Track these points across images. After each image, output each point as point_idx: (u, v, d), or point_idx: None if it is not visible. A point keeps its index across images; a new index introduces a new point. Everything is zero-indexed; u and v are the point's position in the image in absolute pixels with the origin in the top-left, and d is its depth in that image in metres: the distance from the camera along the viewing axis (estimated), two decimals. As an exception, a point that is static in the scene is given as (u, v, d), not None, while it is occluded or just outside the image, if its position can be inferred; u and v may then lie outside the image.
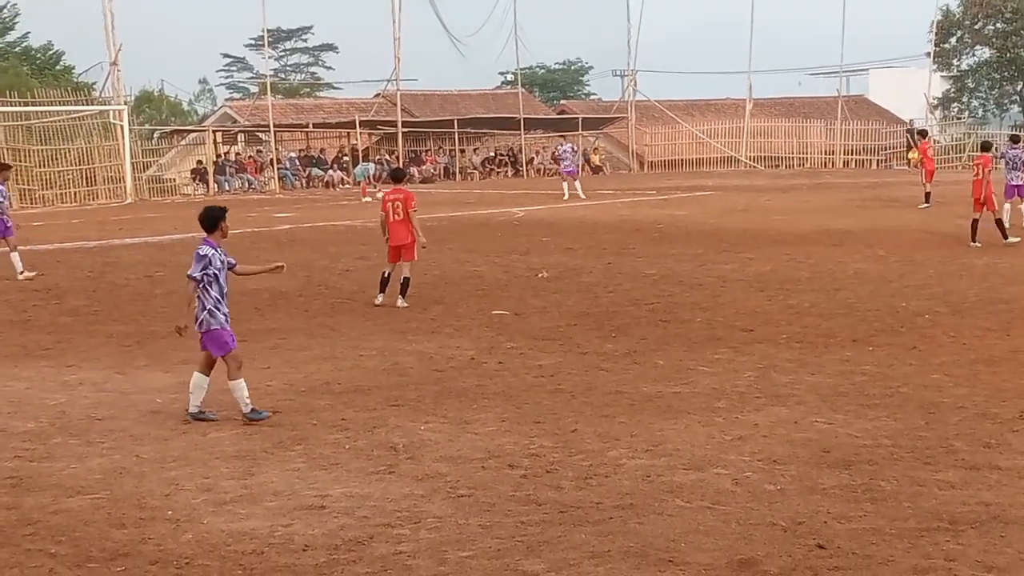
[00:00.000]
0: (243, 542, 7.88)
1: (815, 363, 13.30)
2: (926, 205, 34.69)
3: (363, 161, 54.43)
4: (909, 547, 7.55)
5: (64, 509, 8.66)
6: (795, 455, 9.63)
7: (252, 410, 11.12)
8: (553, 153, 53.39)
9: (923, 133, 41.67)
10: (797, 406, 11.30)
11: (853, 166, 65.97)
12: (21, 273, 21.72)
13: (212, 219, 11.51)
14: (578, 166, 49.48)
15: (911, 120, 67.78)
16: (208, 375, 11.36)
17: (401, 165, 57.75)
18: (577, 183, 43.13)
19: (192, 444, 10.39)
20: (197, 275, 11.31)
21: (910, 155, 63.28)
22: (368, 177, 51.00)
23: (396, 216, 18.06)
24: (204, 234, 11.58)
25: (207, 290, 11.32)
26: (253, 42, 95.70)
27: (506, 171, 64.02)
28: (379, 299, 18.12)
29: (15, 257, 21.97)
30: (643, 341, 14.86)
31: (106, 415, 11.51)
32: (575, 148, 51.94)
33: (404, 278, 18.04)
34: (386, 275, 18.25)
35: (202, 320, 11.32)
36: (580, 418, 10.99)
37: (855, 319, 16.09)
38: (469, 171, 62.91)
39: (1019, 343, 14.22)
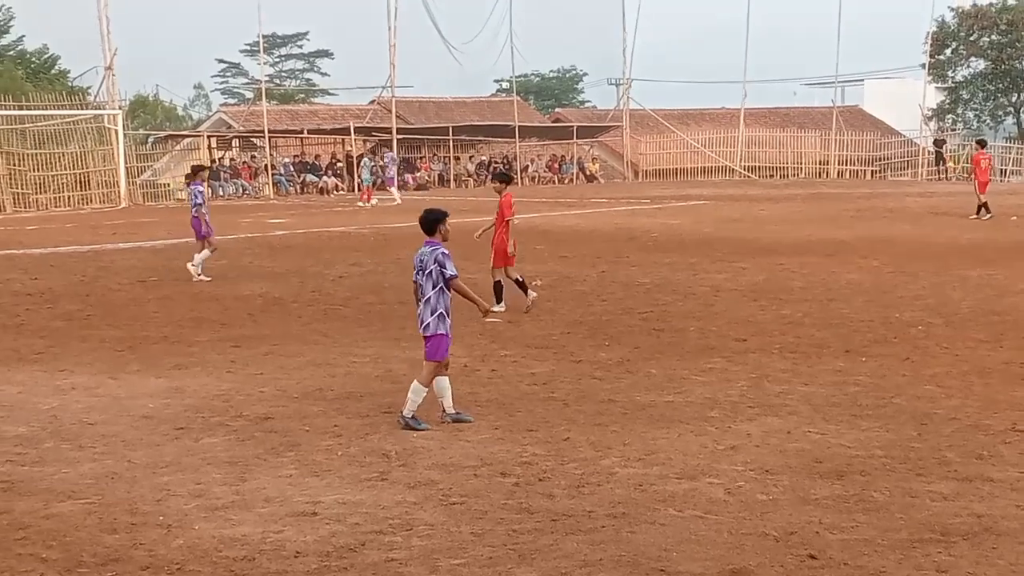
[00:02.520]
0: (234, 548, 7.87)
1: (808, 373, 13.29)
2: (976, 217, 34.07)
3: (365, 159, 53.40)
4: (901, 558, 7.55)
5: (55, 514, 8.64)
6: (787, 465, 9.63)
7: (413, 417, 10.95)
8: (380, 159, 53.94)
9: (982, 143, 39.47)
10: (790, 416, 11.30)
11: (848, 176, 66.08)
12: (199, 276, 21.89)
13: (432, 221, 11.32)
14: (395, 174, 51.95)
15: (937, 129, 67.87)
16: (446, 374, 11.16)
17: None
18: (393, 189, 47.32)
19: (184, 450, 10.37)
20: (456, 271, 11.12)
21: (941, 166, 63.34)
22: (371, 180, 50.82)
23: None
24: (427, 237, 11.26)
25: (442, 293, 11.11)
26: (248, 48, 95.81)
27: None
28: (531, 296, 18.15)
29: (200, 255, 22.14)
30: (636, 350, 14.85)
31: (98, 420, 11.49)
32: (395, 158, 53.49)
33: (498, 282, 18.10)
34: (518, 278, 18.20)
35: (428, 324, 11.04)
36: (573, 426, 10.98)
37: (848, 330, 16.09)
38: (464, 178, 62.96)
39: (1012, 355, 14.22)
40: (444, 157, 63.33)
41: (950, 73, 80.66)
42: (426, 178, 60.56)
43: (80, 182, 47.69)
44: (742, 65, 67.85)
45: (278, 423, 11.24)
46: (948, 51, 79.59)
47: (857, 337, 15.50)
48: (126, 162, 47.98)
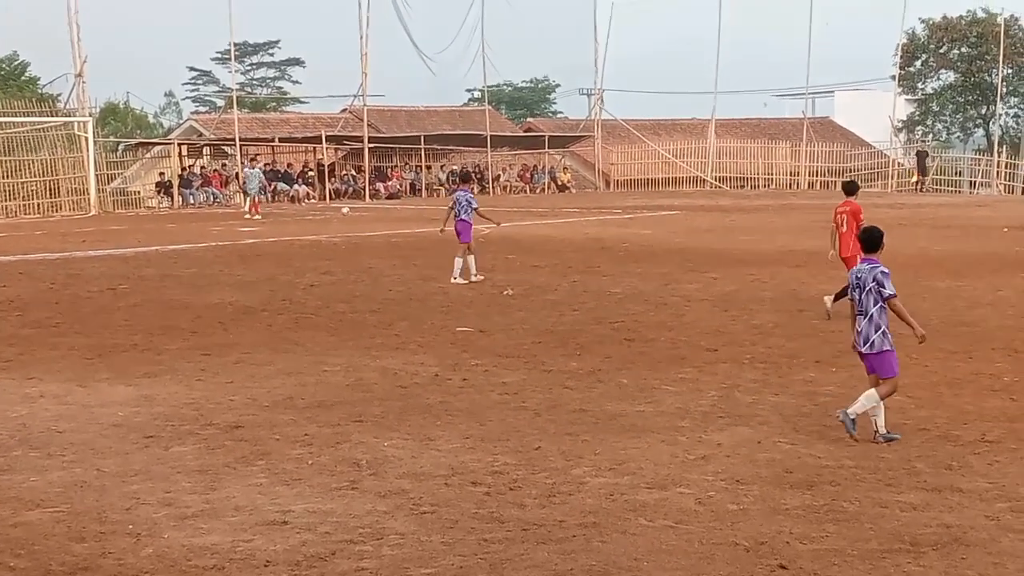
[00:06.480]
0: (204, 557, 7.83)
1: (778, 383, 13.33)
2: None
3: (249, 168, 49.58)
4: (871, 568, 7.57)
5: (24, 522, 8.58)
6: (758, 475, 9.65)
7: (888, 433, 10.76)
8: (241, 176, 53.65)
9: None
10: (760, 426, 11.32)
11: (818, 188, 66.31)
12: (476, 276, 22.75)
13: (876, 239, 11.27)
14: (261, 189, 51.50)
15: (919, 141, 68.23)
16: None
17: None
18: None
19: (154, 458, 10.32)
20: (895, 291, 11.05)
21: (913, 179, 63.76)
22: (261, 189, 48.83)
23: (844, 228, 18.34)
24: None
25: (884, 310, 11.00)
26: (220, 56, 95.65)
27: (472, 188, 64.06)
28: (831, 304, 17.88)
29: (470, 260, 22.96)
30: (608, 360, 14.86)
31: (67, 428, 11.42)
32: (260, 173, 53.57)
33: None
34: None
35: (873, 341, 10.94)
36: (544, 436, 10.97)
37: (819, 340, 16.14)
38: (435, 187, 62.94)
39: (981, 366, 14.30)
40: (416, 166, 63.29)
41: (920, 85, 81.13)
42: (397, 187, 60.53)
43: (50, 189, 47.47)
44: (713, 76, 68.12)
45: (248, 432, 11.19)
46: (918, 63, 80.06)
47: (827, 348, 15.54)
48: (96, 169, 47.77)
